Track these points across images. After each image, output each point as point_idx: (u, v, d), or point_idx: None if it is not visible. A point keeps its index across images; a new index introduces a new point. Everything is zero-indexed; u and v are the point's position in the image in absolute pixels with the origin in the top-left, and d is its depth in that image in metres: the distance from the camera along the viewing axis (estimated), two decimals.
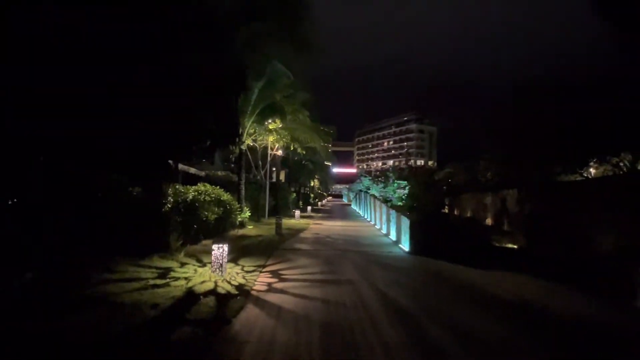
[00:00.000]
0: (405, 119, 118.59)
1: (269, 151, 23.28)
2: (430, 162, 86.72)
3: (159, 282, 6.67)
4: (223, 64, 10.05)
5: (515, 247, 12.76)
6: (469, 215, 20.24)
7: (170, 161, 10.17)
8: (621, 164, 10.22)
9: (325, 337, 4.53)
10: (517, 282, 7.88)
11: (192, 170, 17.76)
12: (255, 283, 7.02)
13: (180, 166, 14.28)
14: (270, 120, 19.43)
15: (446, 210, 24.42)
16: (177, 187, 10.66)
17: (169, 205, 9.77)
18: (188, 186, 11.62)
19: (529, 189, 13.44)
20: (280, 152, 25.40)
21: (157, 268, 7.65)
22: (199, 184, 12.34)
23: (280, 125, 20.31)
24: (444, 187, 24.98)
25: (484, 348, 4.39)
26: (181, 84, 8.34)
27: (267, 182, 22.83)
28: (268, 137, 20.97)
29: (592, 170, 13.20)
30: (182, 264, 8.19)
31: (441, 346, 4.41)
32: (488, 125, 17.85)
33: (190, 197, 10.93)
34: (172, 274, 7.32)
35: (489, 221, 17.13)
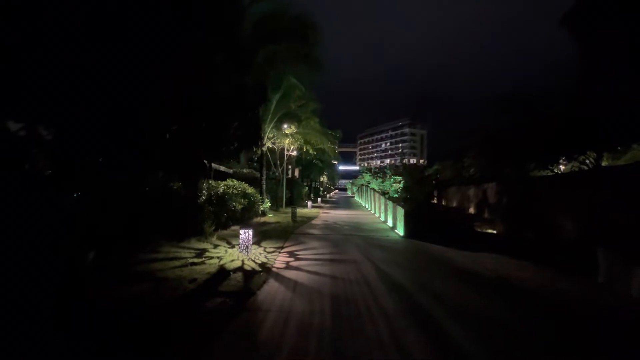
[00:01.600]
0: (400, 123, 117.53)
1: (286, 152, 23.38)
2: (421, 160, 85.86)
3: (196, 260, 6.81)
4: (247, 80, 10.12)
5: (495, 232, 12.62)
6: (454, 205, 20.05)
7: (205, 161, 10.32)
8: (587, 162, 10.00)
9: (335, 306, 4.60)
10: (495, 261, 7.82)
11: (222, 168, 17.93)
12: (275, 262, 7.11)
13: (213, 165, 14.45)
14: (286, 126, 19.49)
15: (435, 201, 24.21)
16: (210, 182, 10.81)
17: (204, 198, 9.92)
18: (219, 181, 11.77)
19: (507, 182, 13.25)
20: (295, 153, 25.46)
21: (194, 249, 7.81)
22: (227, 180, 12.48)
23: (295, 130, 20.35)
24: (433, 182, 24.74)
25: (464, 310, 4.41)
26: (213, 98, 8.43)
27: (284, 178, 22.96)
28: (285, 140, 21.05)
29: (562, 167, 12.93)
30: (215, 246, 8.33)
31: (429, 310, 4.46)
32: (471, 129, 17.65)
33: (221, 190, 11.08)
34: (207, 254, 7.45)
35: (471, 210, 16.95)
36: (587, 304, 5.07)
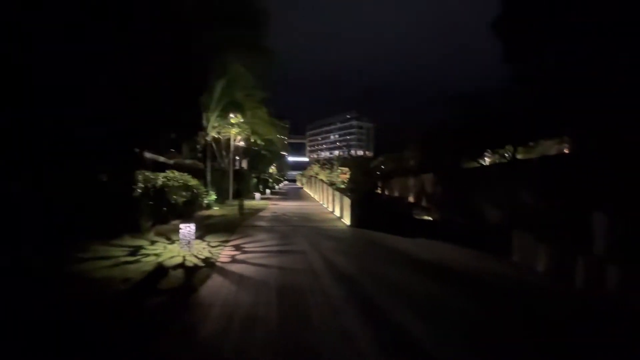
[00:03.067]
0: (348, 116, 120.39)
1: (232, 142, 22.48)
2: (368, 153, 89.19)
3: (130, 259, 6.25)
4: (186, 64, 9.41)
5: (431, 218, 13.68)
6: (396, 194, 21.28)
7: (136, 149, 9.42)
8: (506, 155, 11.31)
9: (281, 297, 4.58)
10: (431, 245, 8.51)
11: (161, 158, 16.61)
12: (220, 256, 6.85)
13: (150, 155, 13.28)
14: (232, 115, 18.69)
15: (379, 191, 25.42)
16: (146, 174, 9.94)
17: (139, 190, 9.11)
18: (157, 173, 10.89)
19: (441, 173, 14.41)
20: (242, 143, 24.63)
21: (128, 247, 7.15)
22: (167, 171, 11.61)
23: (242, 120, 19.62)
24: (378, 173, 25.93)
25: (404, 291, 4.72)
26: (146, 80, 7.69)
27: (231, 169, 22.10)
28: (231, 130, 20.20)
29: (487, 159, 14.46)
30: (153, 242, 7.73)
31: (373, 295, 4.68)
32: (412, 124, 18.81)
33: (160, 182, 10.28)
34: (143, 251, 6.89)
35: (411, 199, 18.15)
36: (503, 279, 5.79)
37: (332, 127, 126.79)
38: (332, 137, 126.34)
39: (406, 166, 20.52)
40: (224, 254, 7.06)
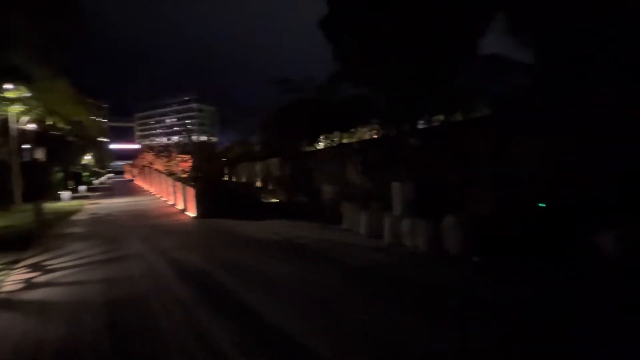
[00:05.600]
0: (187, 98, 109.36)
1: (13, 124, 16.28)
2: (212, 138, 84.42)
3: None
4: None
5: (278, 200, 14.45)
6: (244, 180, 21.27)
7: None
8: (335, 140, 13.23)
9: (113, 316, 3.75)
10: (279, 224, 9.03)
11: None
12: (4, 284, 4.96)
13: None
14: (9, 86, 13.44)
15: (226, 178, 24.69)
16: None
17: None
18: None
19: (286, 157, 15.36)
20: (32, 126, 18.25)
21: None
22: None
23: (27, 94, 14.43)
24: (224, 159, 25.03)
25: (255, 274, 4.82)
26: None
27: (15, 162, 16.09)
28: (8, 107, 14.55)
29: (322, 144, 16.40)
30: None
31: (226, 286, 4.54)
32: (258, 109, 19.02)
33: None
34: None
35: (259, 184, 18.58)
36: (338, 244, 6.83)
37: (168, 109, 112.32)
38: (168, 120, 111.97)
39: (253, 151, 20.71)
40: (12, 279, 5.16)
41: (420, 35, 8.32)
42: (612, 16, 5.39)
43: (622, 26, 5.24)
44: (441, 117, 9.48)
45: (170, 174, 19.48)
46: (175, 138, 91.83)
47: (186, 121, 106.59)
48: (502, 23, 7.45)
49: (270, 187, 16.78)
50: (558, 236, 4.42)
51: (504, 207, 5.66)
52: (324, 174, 11.83)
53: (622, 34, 5.23)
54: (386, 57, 8.79)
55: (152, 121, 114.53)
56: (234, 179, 23.74)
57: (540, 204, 5.27)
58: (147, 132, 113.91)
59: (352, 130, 14.62)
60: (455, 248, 5.50)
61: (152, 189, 23.87)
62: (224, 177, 24.31)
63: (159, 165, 27.13)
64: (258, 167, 18.94)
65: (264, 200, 14.49)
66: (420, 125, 9.52)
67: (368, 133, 15.65)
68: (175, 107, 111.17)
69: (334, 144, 13.64)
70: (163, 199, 17.60)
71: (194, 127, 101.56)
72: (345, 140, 14.22)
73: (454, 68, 8.70)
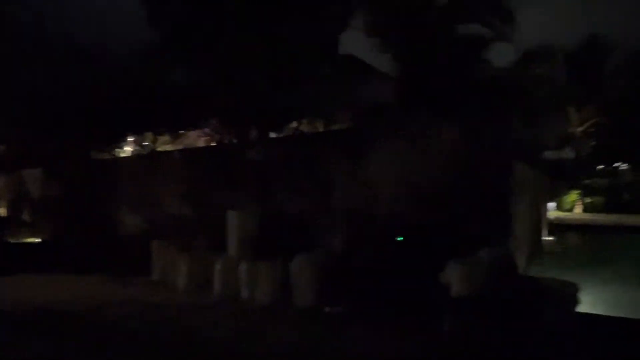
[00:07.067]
0: None
1: None
2: None
3: None
4: None
5: (40, 240, 12.40)
6: None
7: None
8: (147, 144, 12.55)
9: None
10: (35, 283, 7.83)
11: None
12: None
13: None
14: None
15: None
16: None
17: None
18: None
19: (56, 168, 13.41)
20: None
21: None
22: None
23: None
24: None
25: None
26: None
27: None
28: None
29: (129, 149, 15.21)
30: None
31: None
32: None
33: None
34: None
35: (2, 212, 15.47)
36: (141, 308, 6.34)
37: None
38: None
39: None
40: None
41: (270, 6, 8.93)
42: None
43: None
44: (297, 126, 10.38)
45: None
46: None
47: None
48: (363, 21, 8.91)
49: (25, 217, 14.22)
50: (413, 275, 5.44)
51: (361, 243, 6.60)
52: (127, 196, 10.92)
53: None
54: (224, 31, 9.03)
55: None
56: None
57: (398, 238, 6.42)
58: None
59: (180, 132, 14.20)
60: (306, 298, 5.98)
61: None
62: None
63: None
64: (1, 183, 15.77)
65: (12, 241, 12.14)
66: (274, 135, 10.15)
67: (202, 139, 15.51)
68: None
69: (146, 151, 12.89)
70: None
71: None
72: (164, 147, 13.63)
73: (311, 62, 9.73)
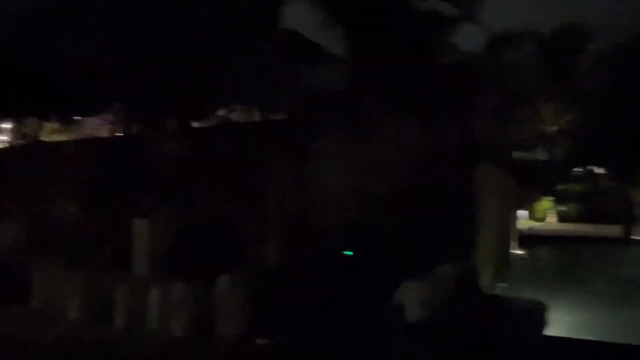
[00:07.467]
0: None
1: None
2: None
3: None
4: None
5: None
6: None
7: None
8: (28, 133, 11.95)
9: None
10: None
11: None
12: None
13: None
14: None
15: None
16: None
17: None
18: None
19: None
20: None
21: None
22: None
23: None
24: None
25: None
26: None
27: None
28: None
29: (3, 138, 14.39)
30: None
31: None
32: None
33: None
34: None
35: None
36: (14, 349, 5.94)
37: None
38: None
39: None
40: None
41: None
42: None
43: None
44: (228, 114, 10.29)
45: None
46: None
47: None
48: None
49: None
50: (362, 297, 5.52)
51: (302, 258, 6.61)
52: None
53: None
54: None
55: None
56: None
57: (346, 252, 6.49)
58: None
59: (73, 119, 13.62)
60: (233, 327, 5.89)
61: None
62: None
63: None
64: None
65: None
66: (197, 124, 9.97)
67: (103, 128, 14.92)
68: None
69: (28, 142, 12.26)
70: None
71: None
72: (52, 138, 13.02)
73: (247, 37, 9.64)
